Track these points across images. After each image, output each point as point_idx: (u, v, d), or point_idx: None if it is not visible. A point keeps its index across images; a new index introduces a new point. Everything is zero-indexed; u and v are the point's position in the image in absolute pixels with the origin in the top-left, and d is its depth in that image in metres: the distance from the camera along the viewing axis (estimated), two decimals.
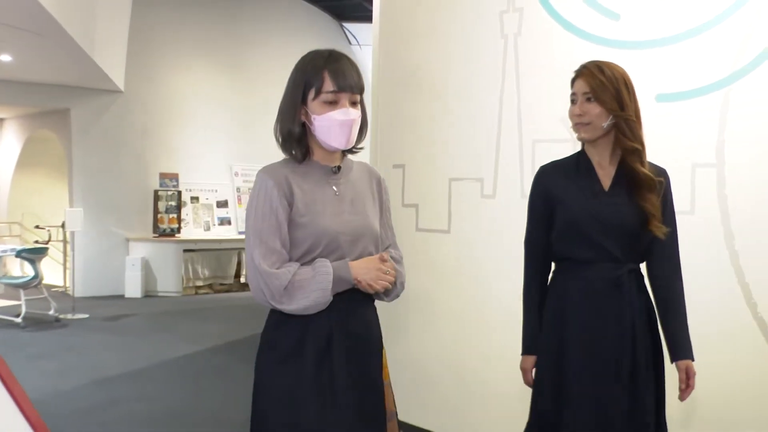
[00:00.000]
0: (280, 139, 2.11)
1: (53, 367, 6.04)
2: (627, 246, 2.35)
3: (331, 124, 2.02)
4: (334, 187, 2.10)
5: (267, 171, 2.07)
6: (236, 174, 12.03)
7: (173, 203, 11.02)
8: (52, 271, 10.83)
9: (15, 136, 12.27)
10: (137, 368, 6.10)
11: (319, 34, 13.29)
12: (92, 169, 10.53)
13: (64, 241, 10.69)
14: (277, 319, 2.06)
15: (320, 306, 1.97)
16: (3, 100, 10.27)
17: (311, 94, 2.03)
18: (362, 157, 2.31)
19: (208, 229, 11.56)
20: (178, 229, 11.07)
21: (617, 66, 2.36)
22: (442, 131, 4.20)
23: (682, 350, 2.38)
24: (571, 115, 2.39)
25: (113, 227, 10.69)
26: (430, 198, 4.22)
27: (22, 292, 8.19)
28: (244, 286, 11.43)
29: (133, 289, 10.42)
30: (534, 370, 2.49)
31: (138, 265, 10.47)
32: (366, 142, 2.26)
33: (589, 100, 2.32)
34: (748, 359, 3.11)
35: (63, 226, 9.86)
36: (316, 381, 2.00)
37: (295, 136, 2.06)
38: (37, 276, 8.23)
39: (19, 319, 7.95)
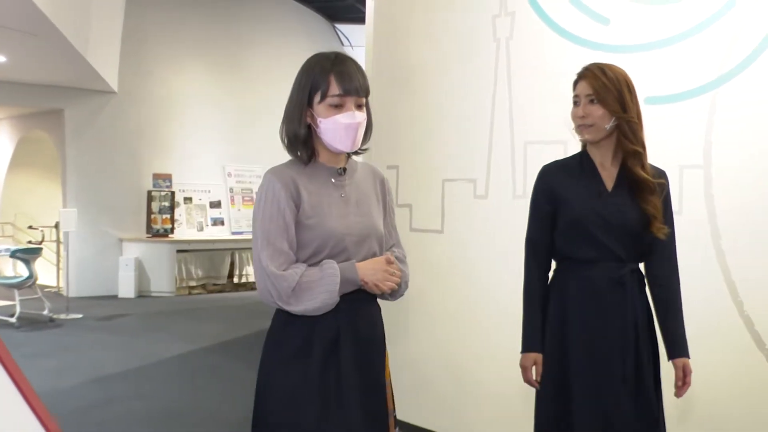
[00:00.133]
0: (286, 141, 2.11)
1: (50, 367, 6.07)
2: (629, 246, 2.38)
3: (336, 128, 2.02)
4: (339, 189, 2.11)
5: (274, 172, 2.07)
6: (229, 175, 12.07)
7: (167, 204, 11.05)
8: (45, 272, 10.85)
9: (8, 137, 12.27)
10: (133, 367, 6.14)
11: (311, 35, 13.34)
12: (86, 170, 10.55)
13: (57, 242, 10.70)
14: (284, 319, 2.06)
15: (328, 307, 1.98)
16: None
17: (317, 97, 2.04)
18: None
19: (201, 229, 11.60)
20: (172, 230, 11.10)
21: (619, 68, 2.40)
22: (435, 133, 4.25)
23: (679, 348, 2.42)
24: (574, 117, 2.42)
25: (107, 228, 10.72)
26: (424, 198, 4.27)
27: (16, 292, 8.21)
28: (238, 287, 11.49)
29: (126, 289, 10.45)
30: (534, 369, 2.50)
31: (131, 266, 10.50)
32: None
33: (592, 102, 2.34)
34: (734, 356, 3.18)
35: (56, 226, 9.89)
36: (322, 381, 2.00)
37: (301, 138, 2.06)
38: (31, 276, 8.25)
39: (13, 319, 7.98)
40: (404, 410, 4.06)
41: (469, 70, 4.08)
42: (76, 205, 10.07)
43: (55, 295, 10.19)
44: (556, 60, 3.69)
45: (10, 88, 9.96)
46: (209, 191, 11.80)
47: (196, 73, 11.81)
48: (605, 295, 2.35)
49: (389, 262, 2.11)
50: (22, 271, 8.63)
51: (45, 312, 8.31)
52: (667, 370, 2.46)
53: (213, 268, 11.31)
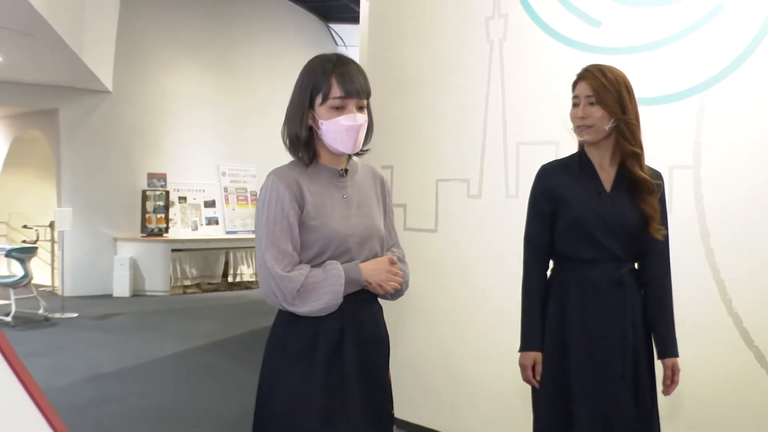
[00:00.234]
0: (287, 143, 2.11)
1: (45, 365, 6.09)
2: (628, 246, 2.40)
3: (338, 129, 2.03)
4: (341, 190, 2.11)
5: (277, 174, 2.06)
6: (224, 174, 12.10)
7: (161, 203, 11.08)
8: (39, 271, 10.87)
9: (2, 136, 12.27)
10: (129, 366, 6.17)
11: (305, 35, 13.37)
12: (80, 169, 10.58)
13: (52, 241, 10.72)
14: (288, 319, 2.05)
15: (332, 308, 1.99)
16: None
17: (318, 99, 2.04)
18: None
19: (195, 228, 11.62)
20: (166, 229, 11.12)
21: (618, 70, 2.41)
22: (429, 133, 4.29)
23: (669, 348, 2.46)
24: (573, 118, 2.42)
25: (101, 227, 10.74)
26: (418, 198, 4.31)
27: (11, 291, 8.24)
28: (232, 286, 11.52)
29: (121, 288, 10.47)
30: (534, 368, 2.50)
31: (126, 265, 10.52)
32: None
33: (591, 103, 2.36)
34: (723, 353, 3.22)
35: (51, 225, 9.90)
36: (326, 382, 2.01)
37: (302, 140, 2.06)
38: (26, 275, 8.28)
39: (8, 318, 8.00)
40: (400, 408, 4.11)
41: (463, 71, 4.12)
42: (70, 205, 10.07)
43: (49, 294, 10.21)
44: (548, 62, 3.74)
45: (5, 87, 9.97)
46: (204, 191, 11.83)
47: (190, 73, 11.84)
48: (605, 295, 2.37)
49: (392, 263, 2.12)
50: (17, 270, 8.65)
51: (40, 311, 8.33)
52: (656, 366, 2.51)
53: (207, 267, 11.33)
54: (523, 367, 2.51)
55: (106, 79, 10.28)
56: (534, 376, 2.49)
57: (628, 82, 2.40)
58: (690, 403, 3.25)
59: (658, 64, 3.37)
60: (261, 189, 2.09)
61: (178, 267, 10.91)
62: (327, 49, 13.29)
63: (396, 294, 2.19)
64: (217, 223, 11.88)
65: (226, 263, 11.53)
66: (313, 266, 2.02)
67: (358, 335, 2.07)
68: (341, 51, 13.43)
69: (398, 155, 4.43)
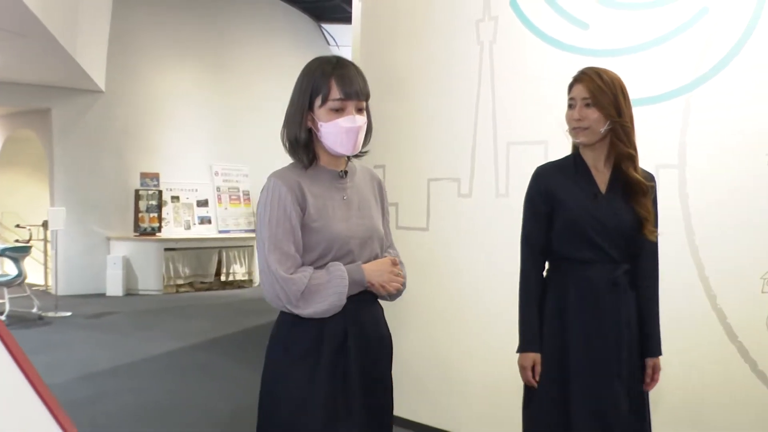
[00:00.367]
0: (287, 145, 2.11)
1: (41, 363, 6.11)
2: (623, 247, 2.42)
3: (337, 131, 2.03)
4: (342, 192, 2.12)
5: (279, 176, 2.06)
6: (216, 173, 12.11)
7: (154, 202, 11.10)
8: (32, 270, 10.87)
9: None
10: (123, 363, 6.21)
11: (298, 34, 13.41)
12: (73, 169, 10.58)
13: (45, 240, 10.73)
14: (291, 321, 2.05)
15: (336, 309, 1.99)
16: None
17: (318, 101, 2.04)
18: None
19: (188, 228, 11.64)
20: (159, 228, 11.15)
21: (614, 73, 2.43)
22: (420, 133, 4.35)
23: (654, 348, 2.49)
24: (569, 120, 2.43)
25: (94, 226, 10.75)
26: (410, 197, 4.36)
27: (5, 290, 8.26)
28: (225, 285, 11.54)
29: (114, 287, 10.49)
30: (534, 366, 2.50)
31: (119, 264, 10.54)
32: None
33: (588, 105, 2.37)
34: (707, 348, 3.30)
35: (44, 225, 9.91)
36: (331, 381, 2.01)
37: (302, 142, 2.06)
38: (20, 274, 8.31)
39: (2, 317, 8.03)
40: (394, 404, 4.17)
41: (454, 72, 4.18)
42: (63, 204, 10.08)
43: (42, 293, 10.21)
44: (537, 63, 3.80)
45: None
46: (196, 190, 11.85)
47: (182, 73, 11.85)
48: (602, 296, 2.39)
49: (394, 264, 2.14)
50: (11, 269, 8.68)
51: (34, 310, 8.36)
52: None
53: (200, 266, 11.35)
54: (522, 368, 2.51)
55: (99, 79, 10.28)
56: (533, 377, 2.49)
57: (624, 85, 2.42)
58: (675, 396, 3.32)
59: (644, 65, 3.43)
60: (262, 191, 2.08)
61: (171, 266, 10.93)
62: (319, 48, 13.36)
63: (393, 295, 2.19)
64: (209, 222, 11.90)
65: (219, 262, 11.55)
66: (315, 268, 2.02)
67: (361, 336, 2.08)
68: (333, 51, 13.52)
69: (390, 155, 4.48)
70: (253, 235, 12.00)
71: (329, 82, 2.03)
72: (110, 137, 10.92)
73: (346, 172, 2.15)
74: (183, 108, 11.75)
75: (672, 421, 3.32)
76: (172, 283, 10.97)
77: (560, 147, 3.50)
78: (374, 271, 2.08)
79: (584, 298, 2.40)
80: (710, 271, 3.31)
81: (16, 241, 10.75)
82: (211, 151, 12.07)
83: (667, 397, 3.31)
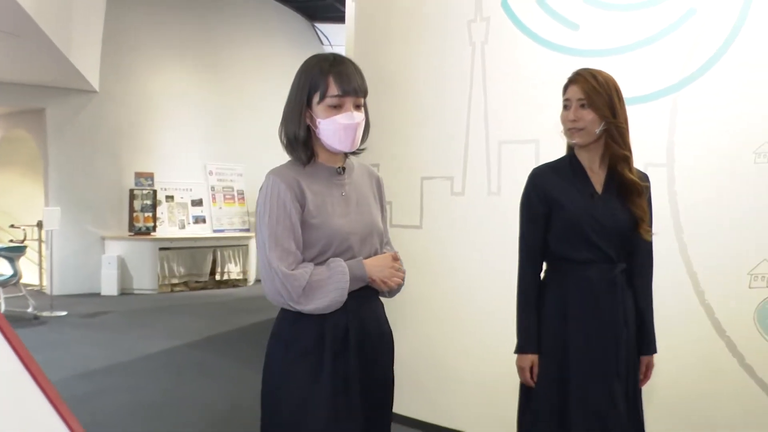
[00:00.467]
0: (285, 142, 2.11)
1: (38, 361, 6.14)
2: (620, 247, 2.44)
3: (336, 128, 2.03)
4: (340, 188, 2.12)
5: (277, 174, 2.06)
6: (210, 173, 12.13)
7: (148, 202, 11.11)
8: (27, 270, 10.87)
9: None
10: (119, 362, 6.24)
11: (291, 34, 13.45)
12: (68, 169, 10.58)
13: (39, 240, 10.74)
14: (293, 318, 2.05)
15: (337, 305, 1.99)
16: None
17: (316, 98, 2.04)
18: None
19: (183, 227, 11.65)
20: (154, 228, 11.16)
21: (608, 74, 2.44)
22: (414, 132, 4.39)
23: (648, 346, 2.53)
24: (564, 121, 2.44)
25: (89, 226, 10.76)
26: (403, 195, 4.40)
27: (0, 290, 8.28)
28: (219, 284, 11.57)
29: (109, 287, 10.49)
30: (533, 368, 2.51)
31: (114, 264, 10.54)
32: None
33: (583, 106, 2.38)
34: (696, 343, 3.36)
35: (38, 224, 9.92)
36: (332, 379, 2.01)
37: (301, 139, 2.06)
38: (15, 274, 8.32)
39: None
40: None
41: (447, 72, 4.23)
42: (58, 204, 10.08)
43: (37, 293, 10.21)
44: (528, 63, 3.86)
45: None
46: (191, 189, 11.86)
47: (176, 73, 11.86)
48: (601, 295, 2.41)
49: (395, 259, 2.14)
50: (6, 269, 8.69)
51: (29, 309, 8.37)
52: None
53: (195, 265, 11.37)
54: (521, 369, 2.52)
55: (93, 79, 10.28)
56: (531, 377, 2.51)
57: (618, 86, 2.43)
58: (665, 391, 3.37)
59: (633, 65, 3.49)
60: (260, 189, 2.08)
61: (165, 265, 10.94)
62: (313, 48, 13.38)
63: (392, 291, 2.20)
64: (204, 221, 11.91)
65: (214, 261, 11.57)
66: (316, 264, 2.02)
67: (363, 333, 2.08)
68: (327, 50, 13.51)
69: (384, 153, 4.51)
70: (247, 234, 12.05)
71: (327, 79, 2.03)
72: (104, 137, 10.93)
73: (344, 169, 2.15)
74: (177, 107, 11.76)
75: (662, 415, 3.36)
76: (166, 282, 10.97)
77: (551, 146, 3.55)
78: (375, 267, 2.08)
79: (583, 298, 2.41)
80: (698, 267, 3.38)
81: (11, 241, 10.75)
82: (205, 151, 12.08)
83: (656, 392, 3.36)
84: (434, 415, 4.29)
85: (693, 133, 3.37)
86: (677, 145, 3.40)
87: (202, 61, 12.15)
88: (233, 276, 11.79)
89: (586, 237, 2.40)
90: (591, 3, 3.63)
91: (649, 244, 2.52)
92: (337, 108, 2.04)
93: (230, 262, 11.76)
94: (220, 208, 12.11)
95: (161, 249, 10.94)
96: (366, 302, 2.13)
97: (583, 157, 2.47)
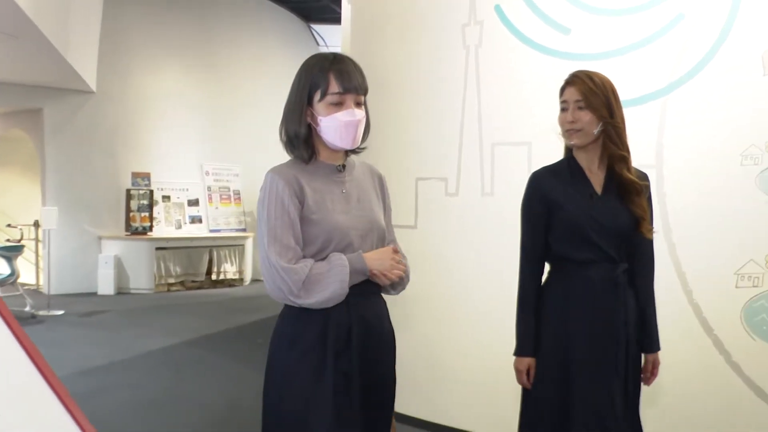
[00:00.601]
0: (285, 140, 2.11)
1: None
2: (621, 247, 2.43)
3: (337, 125, 2.04)
4: (341, 185, 2.12)
5: (276, 171, 2.06)
6: (207, 173, 12.17)
7: (145, 202, 11.15)
8: (23, 269, 10.89)
9: None
10: (118, 360, 6.29)
11: (287, 35, 13.49)
12: (65, 169, 10.62)
13: (36, 240, 10.76)
14: (296, 314, 2.05)
15: (338, 298, 1.98)
16: None
17: (317, 95, 2.04)
18: None
19: (179, 227, 11.69)
20: (150, 228, 11.20)
21: (604, 75, 2.45)
22: (409, 133, 4.44)
23: (653, 344, 2.53)
24: (562, 122, 2.44)
25: (86, 225, 10.80)
26: (398, 195, 4.42)
27: None
28: (216, 283, 11.61)
29: (105, 286, 10.53)
30: (529, 370, 2.52)
31: (111, 263, 10.58)
32: None
33: (580, 107, 2.38)
34: (684, 341, 3.42)
35: (35, 224, 9.94)
36: (335, 377, 2.00)
37: (302, 137, 2.07)
38: (13, 273, 8.37)
39: None
40: None
41: (441, 75, 4.28)
42: (55, 204, 10.12)
43: (34, 292, 10.25)
44: (521, 66, 3.92)
45: None
46: (187, 189, 11.89)
47: (173, 73, 11.90)
48: (603, 295, 2.40)
49: (395, 252, 2.13)
50: (4, 268, 8.72)
51: (27, 308, 8.42)
52: None
53: (191, 265, 11.41)
54: (518, 371, 2.53)
55: (90, 79, 10.32)
56: (528, 380, 2.52)
57: (614, 87, 2.44)
58: (653, 387, 3.39)
59: (623, 69, 3.54)
60: (261, 188, 2.08)
61: (162, 265, 10.98)
62: (308, 48, 13.42)
63: (396, 287, 2.22)
64: (200, 221, 11.95)
65: (210, 261, 11.61)
66: (317, 260, 2.02)
67: (365, 331, 2.08)
68: (322, 51, 13.55)
69: (379, 154, 4.54)
70: (243, 234, 12.10)
71: (328, 77, 2.04)
72: (101, 137, 10.96)
73: (344, 166, 2.16)
74: (173, 108, 11.79)
75: (650, 412, 3.41)
76: (163, 281, 11.02)
77: (543, 148, 3.65)
78: (375, 260, 2.07)
79: (586, 298, 2.41)
80: (687, 267, 3.44)
81: (8, 240, 10.78)
82: (201, 151, 12.12)
83: (644, 388, 3.42)
84: (431, 413, 4.35)
85: (682, 136, 3.44)
86: (666, 147, 3.47)
87: (199, 62, 12.19)
88: (229, 276, 11.84)
89: (587, 238, 2.40)
90: (582, 8, 3.70)
91: (650, 243, 2.54)
92: (338, 105, 2.05)
93: (226, 262, 11.80)
94: (217, 208, 12.15)
95: (158, 249, 10.98)
96: (369, 301, 2.13)
97: (582, 159, 2.48)
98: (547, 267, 2.58)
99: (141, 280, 10.85)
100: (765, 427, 3.30)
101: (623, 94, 3.47)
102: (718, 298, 3.38)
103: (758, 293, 3.31)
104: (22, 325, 6.46)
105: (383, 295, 2.26)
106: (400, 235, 4.34)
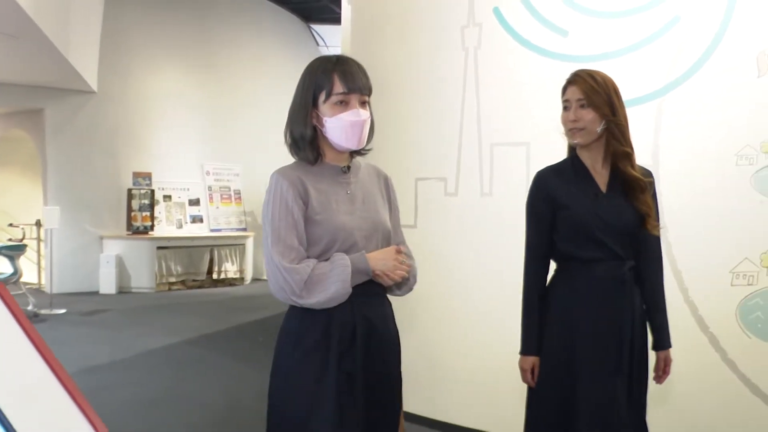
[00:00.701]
0: (290, 142, 2.12)
1: None
2: (627, 244, 2.42)
3: (342, 125, 2.04)
4: (345, 187, 2.13)
5: (281, 172, 2.07)
6: (207, 173, 12.21)
7: (146, 201, 11.19)
8: (25, 269, 10.91)
9: None
10: (120, 358, 6.33)
11: (287, 35, 13.51)
12: (66, 169, 10.66)
13: (38, 239, 10.80)
14: (301, 315, 2.05)
15: (340, 298, 1.98)
16: None
17: (322, 96, 2.05)
18: None
19: (180, 226, 11.73)
20: (152, 227, 11.24)
21: (606, 74, 2.46)
22: (409, 134, 4.47)
23: (663, 341, 2.53)
24: (565, 121, 2.44)
25: (87, 225, 10.83)
26: (398, 195, 4.46)
27: None
28: (216, 282, 11.65)
29: (107, 285, 10.58)
30: (534, 369, 2.51)
31: (112, 262, 10.63)
32: None
33: (582, 106, 2.38)
34: (680, 339, 3.44)
35: (37, 224, 9.98)
36: (338, 377, 2.00)
37: (308, 139, 2.07)
38: (16, 272, 8.40)
39: None
40: None
41: (440, 76, 4.32)
42: (56, 203, 10.14)
43: (36, 291, 10.30)
44: (519, 68, 3.96)
45: None
46: (188, 189, 11.94)
47: (173, 73, 11.93)
48: (610, 293, 2.40)
49: (398, 252, 2.11)
50: (6, 267, 8.76)
51: (29, 307, 8.46)
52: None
53: (192, 264, 11.45)
54: (522, 370, 2.53)
55: (91, 80, 10.36)
56: (532, 379, 2.52)
57: (616, 85, 2.44)
58: (650, 385, 3.48)
59: (620, 70, 3.53)
60: (267, 189, 2.09)
61: (163, 264, 11.03)
62: (308, 48, 13.47)
63: (402, 288, 2.21)
64: (201, 221, 11.99)
65: (211, 260, 11.66)
66: (321, 261, 2.02)
67: (370, 332, 2.07)
68: (322, 51, 13.62)
69: (379, 154, 4.55)
70: (244, 233, 12.14)
71: (332, 78, 2.05)
72: (102, 137, 11.00)
73: (349, 168, 2.16)
74: (174, 108, 11.83)
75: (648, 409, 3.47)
76: (164, 281, 11.06)
77: (541, 149, 3.69)
78: (378, 260, 2.06)
79: (591, 297, 2.41)
80: (683, 266, 3.48)
81: (9, 240, 10.80)
82: (202, 151, 12.16)
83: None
84: (431, 411, 4.38)
85: (677, 136, 3.48)
86: (662, 147, 3.51)
87: (200, 62, 12.22)
88: (230, 275, 11.88)
89: (593, 236, 2.39)
90: (580, 10, 3.75)
91: (657, 240, 2.54)
92: (343, 105, 2.05)
93: (227, 261, 11.84)
94: (217, 207, 12.19)
95: (159, 248, 11.02)
96: (373, 301, 2.13)
97: (585, 157, 2.47)
98: (552, 266, 2.59)
99: (142, 280, 10.89)
100: (760, 423, 3.34)
101: None
102: (714, 297, 3.42)
103: (753, 291, 3.34)
104: None
105: (389, 296, 2.25)
106: None
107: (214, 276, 11.69)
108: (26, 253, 9.92)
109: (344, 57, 2.14)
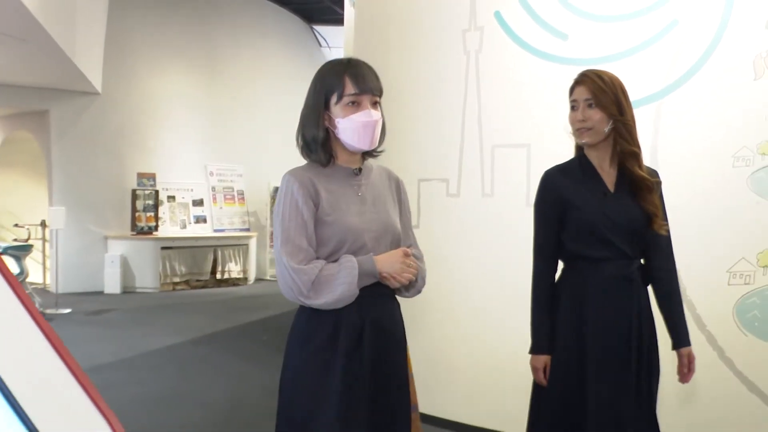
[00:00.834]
0: (302, 144, 2.14)
1: None
2: (634, 244, 2.43)
3: (355, 126, 2.06)
4: (356, 188, 2.14)
5: (292, 173, 2.08)
6: (211, 174, 12.24)
7: (150, 202, 11.21)
8: (31, 268, 10.97)
9: None
10: (125, 357, 6.39)
11: (289, 36, 13.54)
12: (71, 169, 10.70)
13: (43, 239, 10.85)
14: (309, 314, 2.07)
15: (347, 300, 1.99)
16: None
17: (333, 98, 2.07)
18: None
19: (184, 227, 11.76)
20: (156, 227, 11.26)
21: (613, 74, 2.47)
22: (411, 136, 4.52)
23: (683, 339, 2.52)
24: (573, 121, 2.44)
25: (92, 225, 10.87)
26: None
27: None
28: (220, 282, 11.68)
29: (111, 285, 10.61)
30: (546, 368, 2.51)
31: (117, 262, 10.66)
32: None
33: (590, 106, 2.38)
34: None
35: (42, 224, 10.03)
36: (345, 375, 2.00)
37: (320, 141, 2.08)
38: (22, 272, 8.47)
39: None
40: None
41: (442, 79, 4.37)
42: (61, 204, 10.18)
43: (41, 291, 10.34)
44: (520, 71, 4.01)
45: None
46: (192, 190, 11.96)
47: (177, 74, 11.96)
48: (617, 292, 2.41)
49: (406, 255, 2.11)
50: (13, 267, 8.82)
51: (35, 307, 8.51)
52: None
53: (196, 264, 11.48)
54: (534, 369, 2.53)
55: (96, 81, 10.39)
56: (544, 377, 2.52)
57: (623, 85, 2.45)
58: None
59: (619, 73, 3.57)
60: (278, 190, 2.10)
61: (167, 264, 11.06)
62: (311, 50, 13.52)
63: (412, 290, 2.22)
64: (205, 221, 12.01)
65: (215, 260, 11.68)
66: (330, 262, 2.03)
67: (378, 329, 2.08)
68: (325, 52, 13.64)
69: (382, 156, 4.64)
70: (247, 234, 12.19)
71: (343, 79, 2.06)
72: (107, 138, 11.03)
73: (360, 170, 2.17)
74: (178, 109, 11.86)
75: None
76: (168, 281, 11.09)
77: (542, 150, 3.74)
78: (385, 262, 2.07)
79: (599, 295, 2.41)
80: (681, 265, 3.44)
81: (15, 240, 10.86)
82: (205, 152, 12.19)
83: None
84: (432, 409, 4.39)
85: (676, 138, 3.53)
86: (660, 149, 3.56)
87: (202, 63, 12.25)
88: (234, 275, 11.92)
89: (601, 235, 2.40)
90: (579, 14, 3.80)
91: (668, 239, 2.55)
92: (355, 106, 2.07)
93: (231, 261, 11.88)
94: (221, 208, 12.22)
95: (163, 248, 11.05)
96: (381, 302, 2.13)
97: (593, 157, 2.48)
98: (560, 265, 2.60)
99: (146, 279, 10.93)
100: (757, 420, 3.38)
101: None
102: (711, 296, 3.47)
103: (750, 290, 3.39)
104: None
105: (398, 298, 2.26)
106: None
107: (218, 276, 11.71)
108: (32, 254, 9.99)
109: (355, 59, 2.16)
